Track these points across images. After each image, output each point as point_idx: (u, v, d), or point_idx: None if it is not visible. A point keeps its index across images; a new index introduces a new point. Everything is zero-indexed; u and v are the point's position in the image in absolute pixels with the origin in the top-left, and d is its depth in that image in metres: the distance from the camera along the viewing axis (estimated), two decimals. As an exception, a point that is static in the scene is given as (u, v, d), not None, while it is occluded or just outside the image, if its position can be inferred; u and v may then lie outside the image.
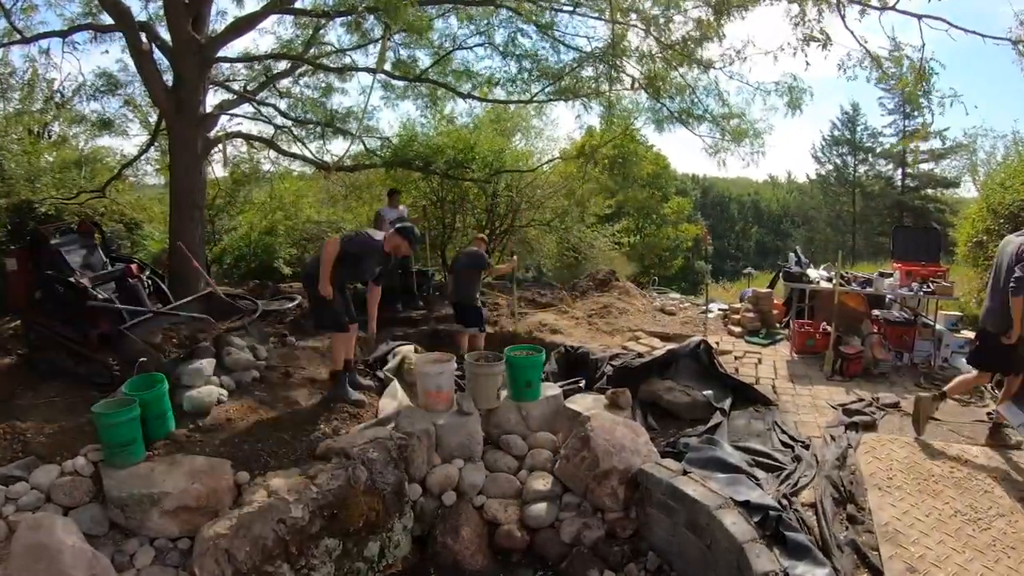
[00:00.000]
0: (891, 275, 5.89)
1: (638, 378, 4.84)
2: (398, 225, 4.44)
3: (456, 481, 4.01)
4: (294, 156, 8.72)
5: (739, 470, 3.59)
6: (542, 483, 4.01)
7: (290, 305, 6.45)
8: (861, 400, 4.68)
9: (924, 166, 24.88)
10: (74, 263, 4.55)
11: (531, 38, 7.32)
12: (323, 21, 7.17)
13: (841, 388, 4.96)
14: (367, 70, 7.65)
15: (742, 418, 4.46)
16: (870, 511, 3.30)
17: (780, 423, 4.32)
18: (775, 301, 7.01)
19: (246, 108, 7.94)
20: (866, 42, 5.64)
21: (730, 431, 4.26)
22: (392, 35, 7.14)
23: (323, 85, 8.36)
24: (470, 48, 7.82)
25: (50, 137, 9.52)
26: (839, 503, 3.35)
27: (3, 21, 6.70)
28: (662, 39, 6.64)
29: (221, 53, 6.65)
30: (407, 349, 5.46)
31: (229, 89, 7.59)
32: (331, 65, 7.86)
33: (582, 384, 5.05)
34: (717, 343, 5.95)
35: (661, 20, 6.59)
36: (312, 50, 7.61)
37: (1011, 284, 3.60)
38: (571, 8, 6.85)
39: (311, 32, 7.56)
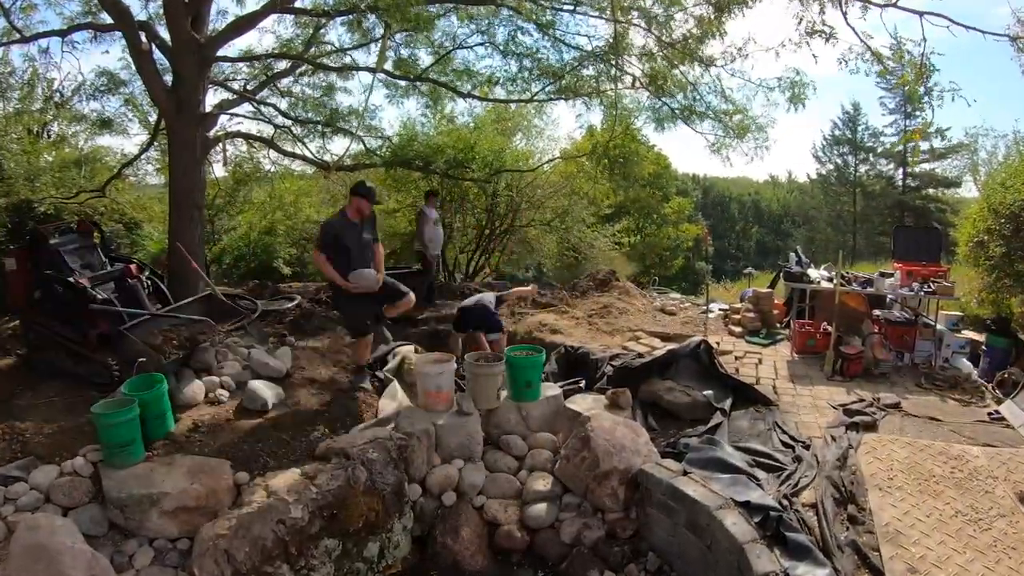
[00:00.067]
0: (892, 275, 5.88)
1: (638, 378, 4.83)
2: (353, 185, 4.57)
3: (456, 481, 4.00)
4: (294, 156, 8.72)
5: (740, 470, 3.58)
6: (542, 483, 4.00)
7: (290, 305, 6.45)
8: (862, 400, 4.67)
9: (925, 166, 24.85)
10: (73, 263, 4.55)
11: (532, 36, 7.32)
12: (323, 20, 7.16)
13: (842, 388, 4.95)
14: (367, 69, 7.65)
15: (743, 418, 4.45)
16: (871, 511, 3.29)
17: (781, 423, 4.31)
18: (776, 301, 7.00)
19: (246, 108, 7.94)
20: (871, 38, 5.63)
21: (730, 431, 4.26)
22: (393, 34, 7.14)
23: (324, 84, 8.36)
24: (471, 47, 7.83)
25: (49, 136, 9.52)
26: (840, 503, 3.34)
27: (2, 20, 6.70)
28: (663, 37, 6.63)
29: (221, 52, 6.65)
30: (407, 349, 5.45)
31: (229, 88, 7.59)
32: (331, 64, 7.85)
33: (582, 384, 5.04)
34: (717, 343, 5.94)
35: (662, 18, 6.58)
36: (312, 49, 7.61)
37: None
38: (572, 7, 6.84)
39: (311, 31, 7.55)
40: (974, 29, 5.32)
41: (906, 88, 5.94)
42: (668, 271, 22.49)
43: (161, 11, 6.42)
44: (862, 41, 5.64)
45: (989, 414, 4.47)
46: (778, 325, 6.72)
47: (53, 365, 4.42)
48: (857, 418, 4.32)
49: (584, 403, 4.61)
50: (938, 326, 5.56)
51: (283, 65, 7.63)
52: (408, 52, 7.70)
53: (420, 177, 9.67)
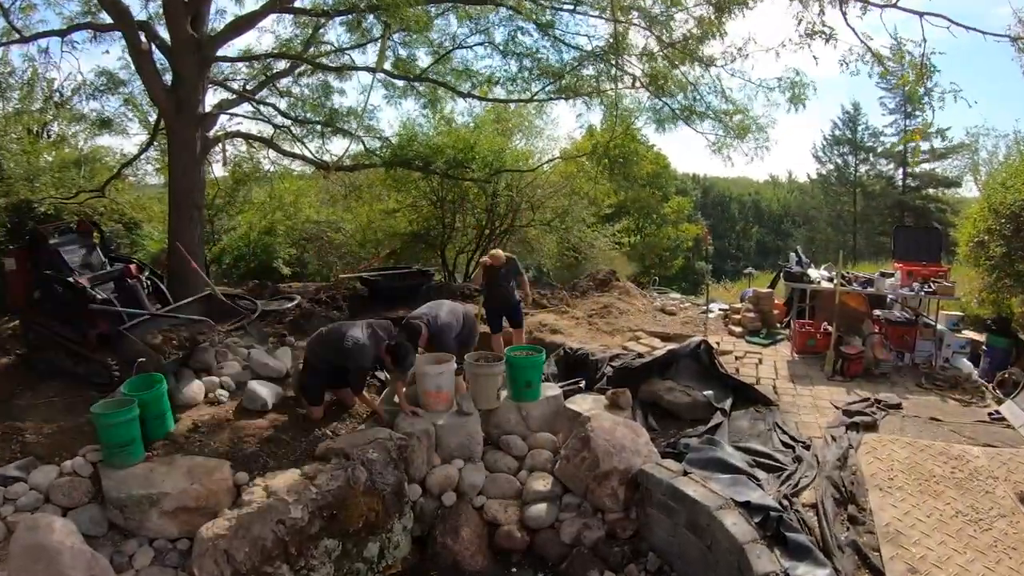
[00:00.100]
0: (892, 275, 5.87)
1: (638, 378, 4.82)
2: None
3: (456, 481, 4.00)
4: (294, 156, 8.71)
5: (740, 471, 3.57)
6: (542, 484, 4.00)
7: (289, 305, 6.44)
8: (862, 400, 4.67)
9: (925, 166, 24.83)
10: (73, 263, 4.54)
11: (532, 36, 7.31)
12: (323, 20, 7.16)
13: (842, 388, 4.95)
14: (367, 69, 7.64)
15: (743, 418, 4.45)
16: (871, 512, 3.28)
17: (781, 423, 4.31)
18: (776, 301, 6.99)
19: (245, 107, 7.93)
20: (871, 39, 5.63)
21: (731, 431, 4.25)
22: (392, 34, 7.13)
23: (323, 84, 8.35)
24: (470, 47, 7.82)
25: (49, 136, 9.51)
26: (840, 504, 3.34)
27: (2, 20, 6.69)
28: (664, 37, 6.63)
29: (220, 52, 6.65)
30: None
31: (228, 88, 7.58)
32: (331, 64, 7.85)
33: (582, 385, 5.04)
34: (718, 343, 5.94)
35: (663, 18, 6.57)
36: (311, 49, 7.60)
37: None
38: (572, 7, 6.84)
39: (311, 31, 7.54)
40: (974, 30, 5.33)
41: (906, 89, 5.94)
42: (668, 271, 22.47)
43: (160, 11, 6.42)
44: (862, 42, 5.65)
45: (989, 414, 4.47)
46: (778, 325, 6.71)
47: (53, 365, 4.42)
48: (857, 418, 4.31)
49: (584, 403, 4.61)
50: (938, 326, 5.56)
51: (282, 65, 7.62)
52: (407, 52, 7.71)
53: (420, 177, 9.66)
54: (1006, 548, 2.98)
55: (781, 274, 7.32)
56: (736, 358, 5.70)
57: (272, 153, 9.39)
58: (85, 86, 7.91)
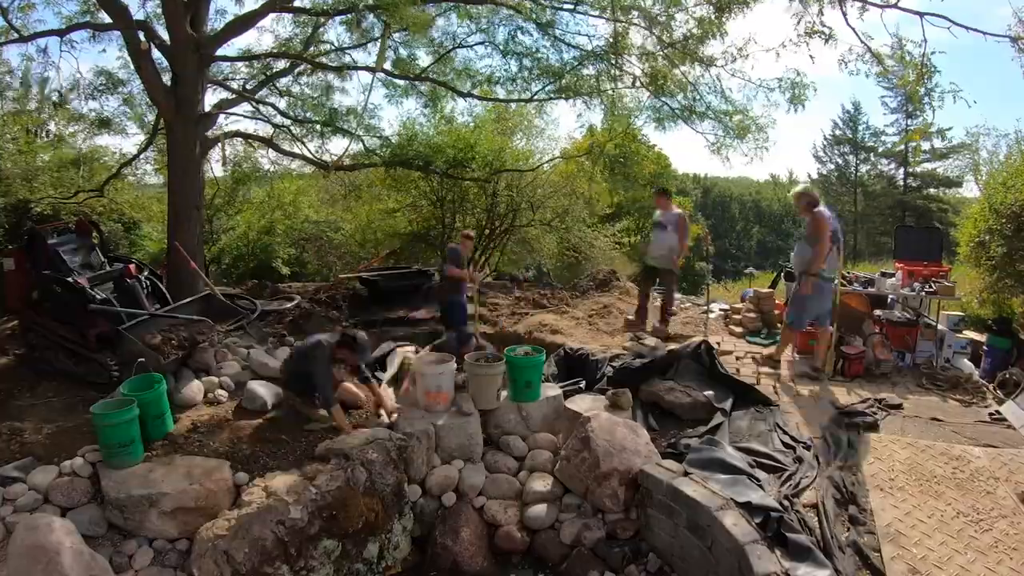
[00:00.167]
0: (893, 275, 5.86)
1: (639, 379, 4.82)
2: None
3: (456, 482, 3.99)
4: (293, 155, 8.71)
5: (740, 471, 3.56)
6: (542, 484, 3.99)
7: (289, 305, 6.44)
8: (863, 401, 4.66)
9: (926, 165, 24.84)
10: (72, 263, 4.54)
11: (532, 36, 7.31)
12: (322, 19, 7.15)
13: (842, 388, 4.94)
14: (367, 69, 7.64)
15: (743, 419, 4.44)
16: (872, 512, 3.28)
17: (781, 424, 4.30)
18: (776, 301, 6.98)
19: (245, 107, 7.93)
20: (871, 39, 5.64)
21: (731, 432, 4.24)
22: (392, 33, 7.12)
23: (323, 84, 8.35)
24: (470, 47, 7.81)
25: (47, 136, 9.51)
26: (841, 504, 3.33)
27: (0, 20, 6.67)
28: (664, 37, 6.63)
29: (220, 52, 6.64)
30: (407, 350, 5.44)
31: (228, 88, 7.57)
32: (330, 64, 7.84)
33: (582, 385, 5.03)
34: (718, 343, 5.93)
35: (663, 18, 6.57)
36: (311, 48, 7.59)
37: None
38: (572, 6, 6.83)
39: (310, 30, 7.54)
40: (975, 30, 5.32)
41: (907, 89, 5.93)
42: (668, 271, 22.44)
43: (160, 10, 6.41)
44: (862, 42, 5.66)
45: (990, 414, 4.46)
46: (779, 325, 6.70)
47: (52, 365, 4.42)
48: (858, 418, 4.31)
49: (584, 403, 4.60)
50: (939, 326, 5.55)
51: (282, 64, 7.62)
52: (407, 52, 7.70)
53: (420, 177, 9.65)
54: (1007, 548, 2.98)
55: (782, 274, 7.31)
56: (737, 358, 5.69)
57: (272, 153, 9.40)
58: (84, 86, 7.91)
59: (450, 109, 9.44)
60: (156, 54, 6.22)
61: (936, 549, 2.98)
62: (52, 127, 9.35)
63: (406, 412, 4.25)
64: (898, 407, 4.56)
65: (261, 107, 8.16)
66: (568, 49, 7.25)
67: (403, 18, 5.82)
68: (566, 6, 6.85)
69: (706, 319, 6.79)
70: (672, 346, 5.41)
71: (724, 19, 6.37)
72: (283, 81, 8.07)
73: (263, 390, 4.30)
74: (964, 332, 5.67)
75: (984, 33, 5.35)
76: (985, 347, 5.25)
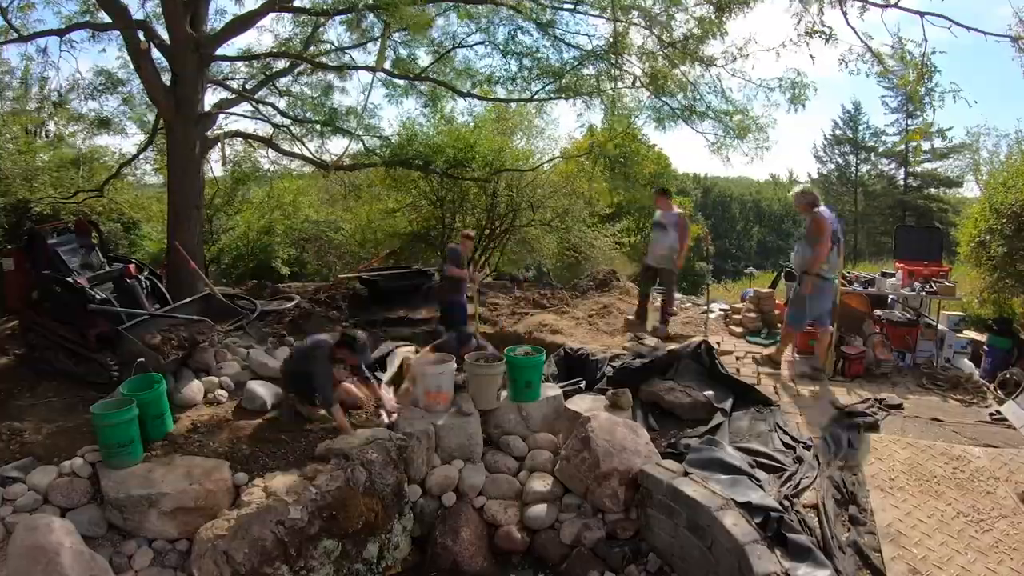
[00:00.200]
0: (893, 275, 5.86)
1: (639, 379, 4.81)
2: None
3: (456, 482, 3.99)
4: (293, 155, 8.71)
5: (740, 471, 3.56)
6: (542, 484, 3.99)
7: (289, 305, 6.44)
8: (863, 401, 4.66)
9: (927, 165, 24.83)
10: (71, 263, 4.54)
11: (532, 36, 7.31)
12: (322, 19, 7.15)
13: (843, 388, 4.94)
14: (366, 68, 7.63)
15: (743, 419, 4.44)
16: (872, 512, 3.27)
17: (782, 424, 4.29)
18: (777, 301, 6.98)
19: (245, 107, 7.93)
20: (871, 38, 5.64)
21: (731, 432, 4.24)
22: (392, 33, 7.12)
23: (323, 84, 8.34)
24: (470, 46, 7.81)
25: (47, 136, 9.51)
26: (841, 504, 3.33)
27: (0, 19, 6.67)
28: (664, 37, 6.62)
29: (220, 51, 6.63)
30: (407, 350, 5.44)
31: (228, 88, 7.57)
32: (330, 63, 7.84)
33: (582, 385, 5.03)
34: (718, 343, 5.92)
35: (663, 18, 6.57)
36: (311, 48, 7.59)
37: None
38: (572, 6, 6.83)
39: (310, 30, 7.53)
40: (975, 30, 5.32)
41: (907, 88, 5.93)
42: (668, 271, 22.44)
43: (159, 10, 6.41)
44: (862, 42, 5.65)
45: (991, 415, 4.46)
46: (779, 325, 6.70)
47: (52, 365, 4.41)
48: (858, 418, 4.30)
49: (584, 403, 4.59)
50: (940, 326, 5.55)
51: (282, 64, 7.61)
52: (407, 52, 7.70)
53: (420, 177, 9.65)
54: (1007, 549, 2.97)
55: (782, 274, 7.30)
56: (737, 358, 5.69)
57: (271, 152, 9.40)
58: (83, 85, 7.90)
59: (450, 109, 9.45)
60: (156, 54, 6.22)
61: (936, 549, 2.97)
62: (52, 127, 9.36)
63: (406, 412, 4.25)
64: (898, 407, 4.56)
65: (261, 107, 8.16)
66: (568, 49, 7.26)
67: (402, 18, 5.82)
68: (566, 6, 6.86)
69: (706, 319, 6.78)
70: (672, 346, 5.40)
71: (724, 19, 6.37)
72: (283, 81, 8.07)
73: (263, 390, 4.30)
74: (964, 332, 5.66)
75: (984, 33, 5.35)
76: (985, 347, 5.25)
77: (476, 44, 7.75)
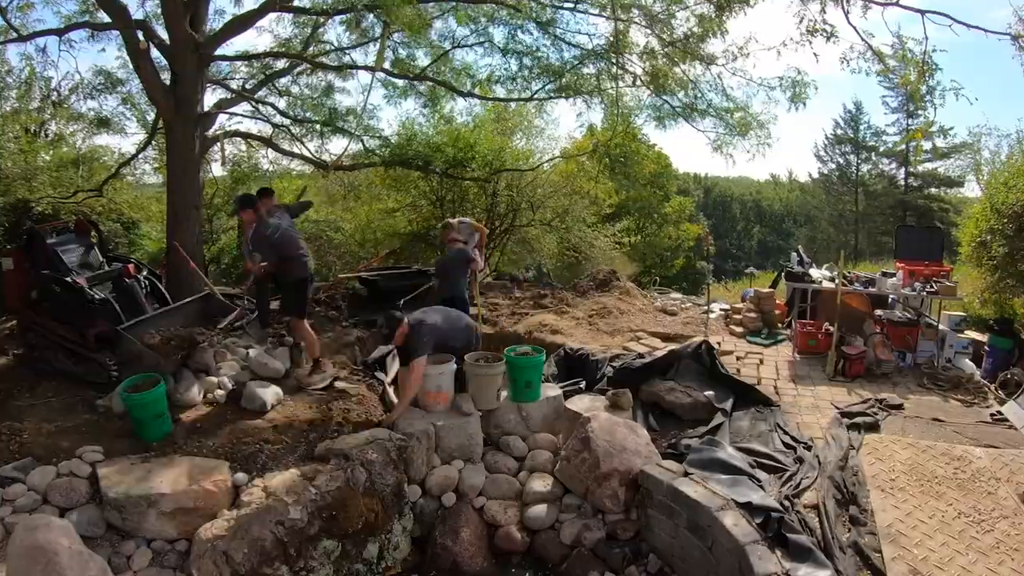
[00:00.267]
0: (894, 275, 5.85)
1: (639, 379, 4.81)
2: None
3: (456, 482, 3.98)
4: (293, 155, 8.70)
5: (741, 471, 3.56)
6: (542, 484, 3.98)
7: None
8: (864, 401, 4.65)
9: (928, 165, 24.78)
10: (71, 263, 4.53)
11: (532, 35, 7.30)
12: (322, 19, 7.14)
13: (843, 389, 4.93)
14: (366, 68, 7.62)
15: (744, 419, 4.43)
16: (873, 513, 3.27)
17: (782, 424, 4.29)
18: (777, 301, 6.97)
19: (244, 107, 7.92)
20: (872, 37, 5.62)
21: (732, 432, 4.23)
22: (391, 33, 7.11)
23: (322, 84, 8.33)
24: (470, 46, 7.79)
25: (47, 136, 9.50)
26: (841, 504, 3.32)
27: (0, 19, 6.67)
28: (664, 35, 6.62)
29: (219, 51, 6.63)
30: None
31: (227, 87, 7.57)
32: (330, 63, 7.83)
33: (582, 385, 5.02)
34: (719, 343, 5.91)
35: (664, 16, 6.56)
36: (311, 48, 7.58)
37: None
38: (572, 5, 6.82)
39: (310, 30, 7.53)
40: (976, 28, 5.30)
41: (908, 87, 5.92)
42: (669, 271, 22.42)
43: (159, 10, 6.40)
44: (863, 40, 5.64)
45: (992, 415, 4.45)
46: (779, 325, 6.69)
47: (51, 365, 4.41)
48: (859, 419, 4.30)
49: (584, 404, 4.59)
50: (940, 326, 5.54)
51: (281, 64, 7.60)
52: (407, 51, 7.68)
53: (419, 176, 9.64)
54: (1008, 549, 2.97)
55: (782, 274, 7.30)
56: (737, 358, 5.68)
57: (271, 152, 9.40)
58: (83, 85, 7.89)
59: (449, 109, 9.44)
60: (155, 54, 6.22)
61: (937, 550, 2.97)
62: (52, 127, 9.36)
63: (406, 412, 4.24)
64: (899, 407, 4.55)
65: (260, 107, 8.15)
66: (568, 48, 7.25)
67: (400, 18, 5.81)
68: (566, 5, 6.85)
69: (706, 319, 6.78)
70: (672, 346, 5.40)
71: (725, 17, 6.36)
72: (282, 81, 8.06)
73: (263, 390, 4.29)
74: (965, 332, 5.66)
75: (985, 31, 5.34)
76: (986, 347, 5.24)
77: (476, 44, 7.74)
